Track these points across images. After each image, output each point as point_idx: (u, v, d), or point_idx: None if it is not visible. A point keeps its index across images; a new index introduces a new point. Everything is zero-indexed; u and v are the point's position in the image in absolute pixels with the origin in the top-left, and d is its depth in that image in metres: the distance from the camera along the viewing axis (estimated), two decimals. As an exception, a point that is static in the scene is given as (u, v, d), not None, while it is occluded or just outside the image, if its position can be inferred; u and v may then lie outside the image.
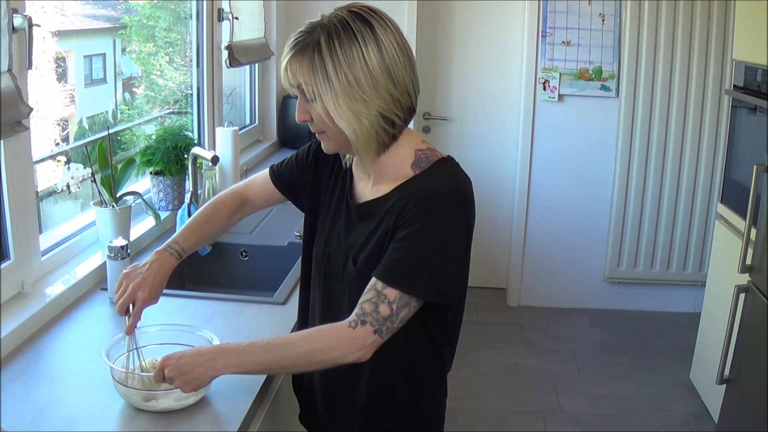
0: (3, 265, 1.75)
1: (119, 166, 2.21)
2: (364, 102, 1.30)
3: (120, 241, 1.89)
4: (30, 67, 1.73)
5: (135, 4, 3.11)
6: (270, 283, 2.23)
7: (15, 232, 1.78)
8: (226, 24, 3.12)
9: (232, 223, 1.72)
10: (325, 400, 1.54)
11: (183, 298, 1.95)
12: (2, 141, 1.68)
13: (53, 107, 2.56)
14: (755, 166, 2.72)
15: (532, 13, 4.04)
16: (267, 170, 1.69)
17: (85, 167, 2.05)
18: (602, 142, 4.20)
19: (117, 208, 2.10)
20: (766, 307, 2.54)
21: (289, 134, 3.89)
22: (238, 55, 3.21)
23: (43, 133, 2.45)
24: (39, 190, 2.19)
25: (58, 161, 2.44)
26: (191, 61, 3.07)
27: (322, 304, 1.52)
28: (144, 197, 2.33)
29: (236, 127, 2.94)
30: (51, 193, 2.34)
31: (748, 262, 2.75)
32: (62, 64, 2.59)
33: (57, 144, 2.57)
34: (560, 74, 4.09)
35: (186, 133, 2.57)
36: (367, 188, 1.46)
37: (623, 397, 3.46)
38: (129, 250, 1.91)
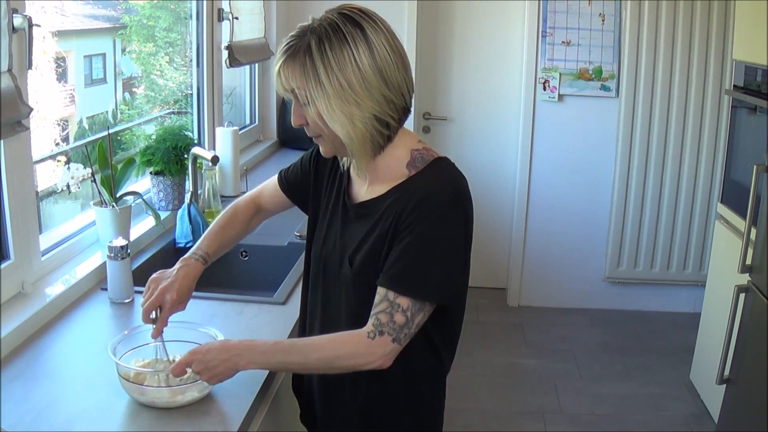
0: (3, 265, 1.75)
1: (119, 166, 2.21)
2: (357, 105, 1.29)
3: (120, 241, 1.89)
4: (30, 67, 1.73)
5: (135, 4, 3.11)
6: (270, 283, 2.22)
7: (15, 232, 1.78)
8: (226, 24, 3.12)
9: (249, 229, 1.74)
10: (323, 402, 1.54)
11: (183, 298, 1.95)
12: (2, 141, 1.68)
13: (53, 107, 2.56)
14: (755, 166, 2.72)
15: (532, 13, 4.04)
16: (276, 177, 1.70)
17: (85, 167, 2.05)
18: (602, 142, 4.20)
19: (117, 208, 2.10)
20: (766, 307, 2.54)
21: (289, 134, 3.89)
22: (238, 55, 3.21)
23: (43, 133, 2.46)
24: (39, 190, 2.19)
25: (58, 161, 2.44)
26: (191, 61, 3.07)
27: (320, 304, 1.52)
28: (144, 197, 2.33)
29: (236, 127, 2.94)
30: (51, 193, 2.34)
31: (748, 262, 2.75)
32: (62, 64, 2.59)
33: (57, 144, 2.57)
34: (560, 74, 4.09)
35: (186, 133, 2.57)
36: (364, 188, 1.46)
37: (623, 397, 3.46)
38: (129, 250, 1.91)
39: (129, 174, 2.25)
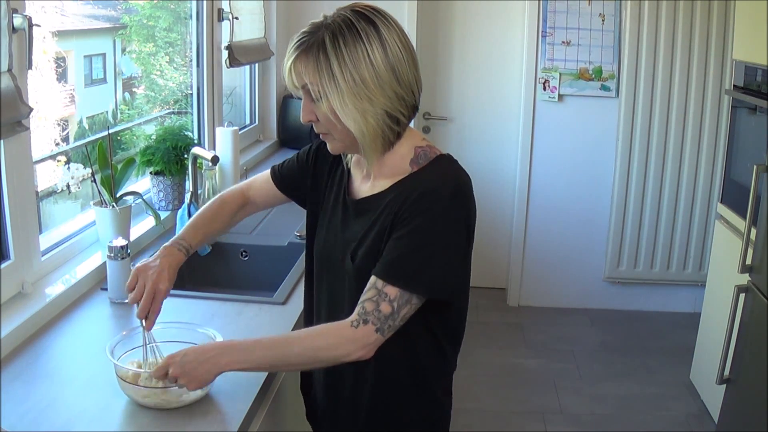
0: (3, 265, 1.75)
1: (119, 166, 2.20)
2: (370, 101, 1.30)
3: (120, 241, 1.89)
4: (30, 67, 1.73)
5: (135, 4, 3.11)
6: (270, 283, 2.22)
7: (15, 232, 1.78)
8: (226, 24, 3.12)
9: (234, 222, 1.73)
10: (329, 401, 1.55)
11: (183, 298, 1.95)
12: (2, 141, 1.68)
13: (53, 107, 2.56)
14: (755, 166, 2.72)
15: (532, 13, 4.04)
16: (268, 171, 1.69)
17: (85, 167, 2.05)
18: (602, 142, 4.20)
19: (117, 208, 2.10)
20: (766, 307, 2.54)
21: (289, 134, 3.89)
22: (238, 55, 3.21)
23: (43, 133, 2.45)
24: (39, 190, 2.19)
25: (58, 161, 2.44)
26: (191, 61, 3.07)
27: (325, 301, 1.53)
28: (144, 197, 2.33)
29: (236, 127, 2.94)
30: (51, 193, 2.34)
31: (748, 262, 2.75)
32: (62, 64, 2.59)
33: (57, 144, 2.57)
34: (560, 74, 4.09)
35: (186, 133, 2.57)
36: (365, 185, 1.46)
37: (623, 397, 3.46)
38: (129, 250, 1.91)
39: (129, 174, 2.25)
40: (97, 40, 3.00)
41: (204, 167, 2.55)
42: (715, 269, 3.35)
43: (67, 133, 2.69)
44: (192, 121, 3.08)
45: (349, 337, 1.31)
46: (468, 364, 3.66)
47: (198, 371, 1.32)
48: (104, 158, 2.11)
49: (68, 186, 2.01)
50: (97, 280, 2.00)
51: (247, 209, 1.73)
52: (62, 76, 2.61)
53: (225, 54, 3.15)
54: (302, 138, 3.68)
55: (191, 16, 3.01)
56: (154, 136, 2.53)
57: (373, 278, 1.33)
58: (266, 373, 1.55)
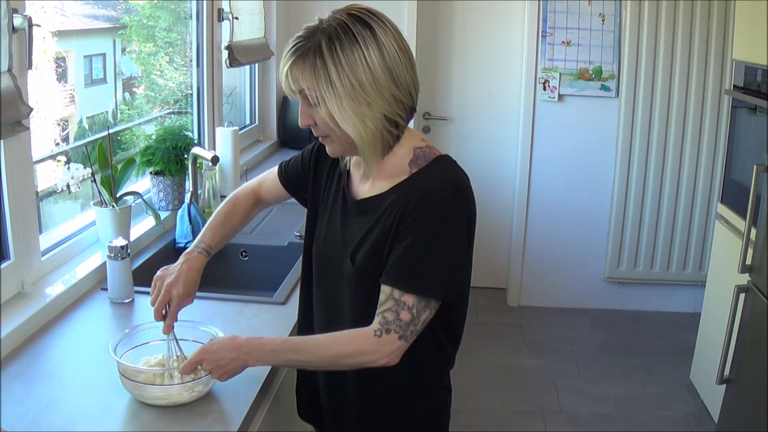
0: (3, 265, 1.75)
1: (119, 166, 2.20)
2: (368, 105, 1.30)
3: (120, 241, 1.89)
4: (30, 67, 1.73)
5: (135, 4, 3.11)
6: (270, 283, 2.22)
7: (15, 232, 1.78)
8: (226, 24, 3.12)
9: (249, 219, 1.75)
10: (329, 399, 1.55)
11: (183, 298, 1.95)
12: (2, 141, 1.68)
13: (53, 107, 2.56)
14: (755, 166, 2.72)
15: (532, 13, 4.04)
16: (276, 168, 1.71)
17: (85, 167, 2.05)
18: (602, 142, 4.20)
19: (117, 208, 2.10)
20: (766, 307, 2.54)
21: (289, 134, 3.89)
22: (238, 55, 3.21)
23: (43, 133, 2.45)
24: (39, 190, 2.19)
25: (58, 161, 2.44)
26: (191, 61, 3.07)
27: (323, 300, 1.53)
28: (144, 197, 2.33)
29: (236, 127, 2.94)
30: (51, 193, 2.34)
31: (748, 262, 2.75)
32: (62, 64, 2.59)
33: (57, 144, 2.57)
34: (560, 74, 4.09)
35: (186, 133, 2.57)
36: (365, 185, 1.46)
37: (623, 397, 3.46)
38: (129, 250, 1.91)
39: (129, 174, 2.25)
40: (97, 40, 3.00)
41: (204, 167, 2.55)
42: (715, 269, 3.35)
43: (67, 133, 2.69)
44: (192, 121, 3.08)
45: (374, 346, 1.34)
46: (468, 364, 3.66)
47: (230, 366, 1.39)
48: (104, 158, 2.11)
49: (68, 186, 2.01)
50: (97, 280, 2.00)
51: (259, 207, 1.75)
52: (62, 76, 2.61)
53: (225, 54, 3.15)
54: (302, 138, 3.68)
55: (191, 16, 3.02)
56: (154, 136, 2.53)
57: (388, 288, 1.34)
58: (266, 373, 1.55)
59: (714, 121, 4.06)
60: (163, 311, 1.52)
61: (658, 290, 4.39)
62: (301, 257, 1.64)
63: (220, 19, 3.09)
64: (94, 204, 2.12)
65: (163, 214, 2.46)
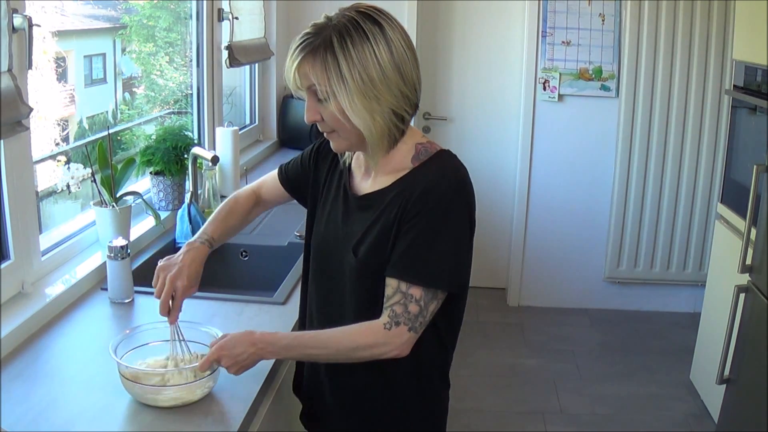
0: (3, 265, 1.75)
1: (119, 166, 2.20)
2: (377, 99, 1.33)
3: (120, 241, 1.89)
4: (30, 67, 1.73)
5: (135, 4, 3.11)
6: (270, 283, 2.23)
7: (15, 232, 1.78)
8: (226, 24, 3.12)
9: (249, 220, 1.77)
10: (331, 395, 1.55)
11: (183, 298, 1.95)
12: (2, 141, 1.68)
13: (53, 107, 2.56)
14: (755, 166, 2.72)
15: (532, 13, 4.04)
16: (277, 170, 1.73)
17: (85, 167, 2.05)
18: (602, 142, 4.20)
19: (117, 208, 2.10)
20: (766, 307, 2.54)
21: (289, 134, 3.89)
22: (238, 55, 3.21)
23: (43, 133, 2.45)
24: (39, 190, 2.19)
25: (58, 161, 2.44)
26: (191, 61, 3.07)
27: (324, 295, 1.54)
28: (144, 197, 2.33)
29: (236, 127, 2.94)
30: (51, 193, 2.34)
31: (748, 262, 2.75)
32: (62, 64, 2.59)
33: (57, 144, 2.57)
34: (560, 74, 4.09)
35: (186, 133, 2.57)
36: (366, 181, 1.48)
37: (623, 397, 3.46)
38: (129, 250, 1.91)
39: (129, 174, 2.25)
40: (97, 40, 3.00)
41: (204, 167, 2.55)
42: (715, 269, 3.35)
43: (67, 133, 2.69)
44: (192, 121, 3.08)
45: (385, 338, 1.37)
46: (468, 364, 3.66)
47: (247, 361, 1.42)
48: (104, 158, 2.11)
49: (68, 186, 2.01)
50: (97, 280, 2.00)
51: (260, 208, 1.76)
52: (62, 76, 2.61)
53: (225, 54, 3.15)
54: (302, 138, 3.68)
55: (191, 16, 3.01)
56: (154, 136, 2.53)
57: (394, 282, 1.37)
58: (267, 373, 1.55)
59: (714, 121, 4.06)
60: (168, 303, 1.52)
61: (658, 290, 4.39)
62: (301, 256, 1.64)
63: (220, 19, 3.09)
64: (94, 204, 2.12)
65: (163, 214, 2.46)
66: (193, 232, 2.33)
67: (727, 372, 2.85)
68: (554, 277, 4.43)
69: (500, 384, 3.58)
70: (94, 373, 1.52)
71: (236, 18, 3.19)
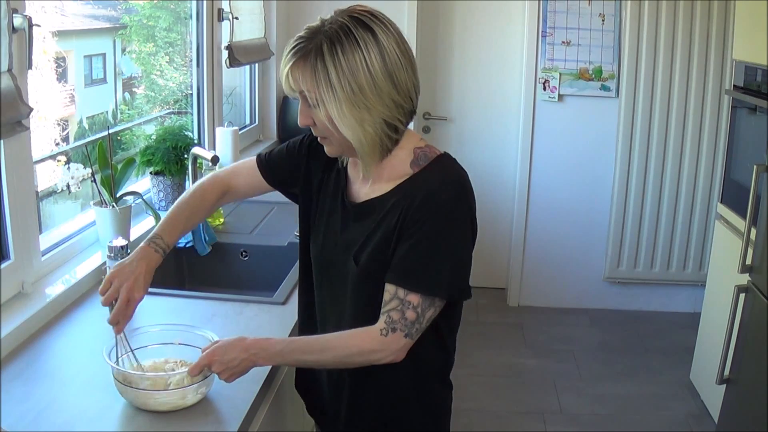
0: (3, 265, 1.75)
1: (119, 166, 2.21)
2: (368, 109, 1.30)
3: (120, 241, 1.89)
4: (30, 67, 1.73)
5: (135, 4, 3.11)
6: (270, 283, 2.22)
7: (15, 232, 1.78)
8: (226, 24, 3.12)
9: (213, 210, 1.72)
10: (332, 398, 1.55)
11: (183, 298, 1.95)
12: (2, 141, 1.68)
13: (53, 107, 2.56)
14: (755, 166, 2.72)
15: (532, 13, 4.04)
16: (253, 159, 1.64)
17: (85, 167, 2.05)
18: (602, 142, 4.20)
19: (117, 208, 2.10)
20: (766, 307, 2.54)
21: (289, 134, 3.89)
22: (238, 55, 3.21)
23: (43, 133, 2.46)
24: (39, 190, 2.19)
25: (58, 161, 2.44)
26: (191, 61, 3.07)
27: (325, 303, 1.53)
28: (144, 197, 2.33)
29: (236, 127, 2.94)
30: (51, 193, 2.34)
31: (748, 262, 2.75)
32: (62, 64, 2.59)
33: (57, 144, 2.57)
34: (560, 74, 4.09)
35: (186, 133, 2.57)
36: (365, 187, 1.45)
37: (623, 397, 3.46)
38: (129, 250, 1.90)
39: (129, 174, 2.25)
40: (97, 40, 3.00)
41: (204, 167, 2.55)
42: (715, 269, 3.35)
43: (67, 133, 2.69)
44: (192, 121, 3.08)
45: (380, 345, 1.35)
46: (468, 364, 3.66)
47: (239, 367, 1.40)
48: (104, 158, 2.11)
49: (68, 186, 2.01)
50: (97, 280, 1.99)
51: (227, 197, 1.67)
52: (62, 76, 2.61)
53: (225, 54, 3.15)
54: (302, 138, 3.68)
55: (191, 16, 3.02)
56: (154, 136, 2.53)
57: (392, 287, 1.35)
58: (266, 373, 1.55)
59: (714, 121, 4.06)
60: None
61: (658, 290, 4.39)
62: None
63: (220, 19, 3.09)
64: (94, 204, 2.12)
65: (163, 214, 2.45)
66: (193, 233, 2.33)
67: (727, 372, 2.85)
68: (554, 277, 4.43)
69: (500, 384, 3.58)
70: (94, 374, 1.52)
71: (236, 18, 3.19)
